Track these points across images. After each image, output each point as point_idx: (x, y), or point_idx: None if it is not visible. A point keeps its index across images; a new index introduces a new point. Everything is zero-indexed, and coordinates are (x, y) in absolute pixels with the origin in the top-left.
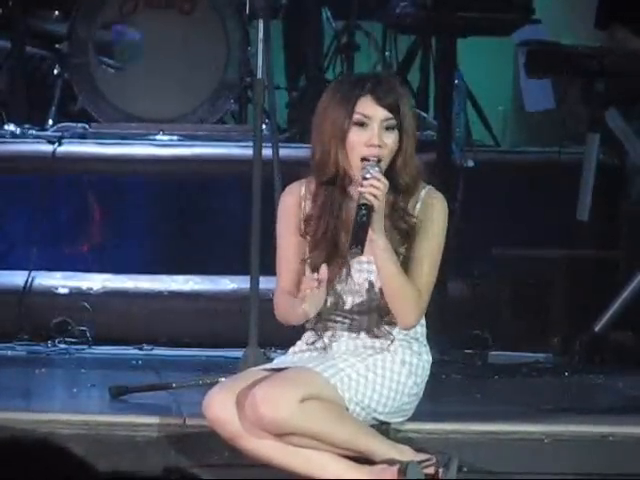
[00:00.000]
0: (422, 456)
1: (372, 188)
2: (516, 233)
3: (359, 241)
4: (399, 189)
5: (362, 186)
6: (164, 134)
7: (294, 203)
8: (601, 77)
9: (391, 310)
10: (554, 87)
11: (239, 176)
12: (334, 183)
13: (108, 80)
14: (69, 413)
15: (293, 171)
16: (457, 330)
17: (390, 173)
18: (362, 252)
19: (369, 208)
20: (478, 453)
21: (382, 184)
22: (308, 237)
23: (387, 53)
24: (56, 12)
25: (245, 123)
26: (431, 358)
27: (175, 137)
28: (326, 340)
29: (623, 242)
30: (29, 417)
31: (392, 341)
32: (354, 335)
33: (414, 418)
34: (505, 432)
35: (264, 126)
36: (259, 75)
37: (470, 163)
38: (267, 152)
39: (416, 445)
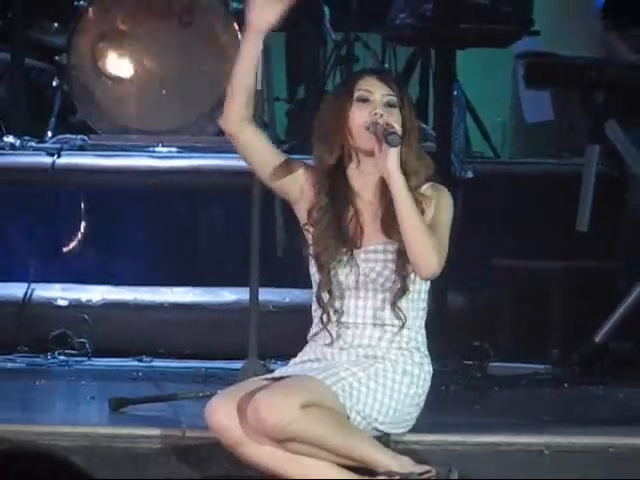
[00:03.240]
0: (422, 468)
1: (390, 121)
2: (515, 244)
3: (392, 132)
4: (407, 173)
5: (379, 122)
6: (163, 146)
7: (311, 176)
8: (600, 88)
9: (411, 259)
10: (553, 98)
11: (238, 188)
12: (339, 172)
13: (107, 92)
14: (69, 425)
15: None
16: (457, 341)
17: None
18: (400, 141)
19: (391, 126)
20: (478, 465)
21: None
22: (312, 227)
23: (386, 65)
24: (55, 24)
25: None
26: (432, 369)
27: (174, 149)
28: (334, 333)
29: (623, 253)
30: (29, 429)
31: (402, 326)
32: (359, 331)
33: (414, 429)
34: (505, 443)
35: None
36: (258, 87)
37: (469, 174)
38: None
39: (416, 456)
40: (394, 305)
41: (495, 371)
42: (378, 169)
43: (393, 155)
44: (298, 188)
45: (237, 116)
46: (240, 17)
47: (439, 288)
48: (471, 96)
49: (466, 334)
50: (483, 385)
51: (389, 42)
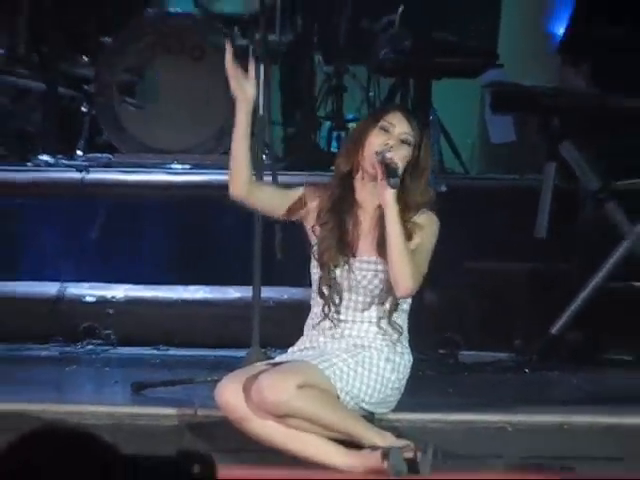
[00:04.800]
0: (402, 442)
1: (397, 155)
2: (483, 249)
3: (395, 174)
4: (408, 204)
5: (386, 156)
6: (177, 163)
7: (310, 193)
8: (556, 114)
9: (392, 275)
10: (515, 122)
11: None
12: (347, 184)
13: (129, 116)
14: (96, 405)
15: None
16: (432, 333)
17: (401, 188)
18: (399, 183)
19: (395, 164)
20: (451, 439)
21: (406, 156)
22: (319, 228)
23: (371, 93)
24: (84, 58)
25: None
26: (412, 357)
27: (187, 166)
28: (329, 325)
29: (576, 257)
30: (61, 409)
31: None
32: (349, 325)
33: (396, 409)
34: (474, 421)
35: (264, 157)
36: (260, 112)
37: (443, 188)
38: (267, 179)
39: (397, 432)
40: (389, 319)
41: (465, 359)
42: (377, 195)
43: (391, 190)
44: (303, 210)
45: (243, 185)
46: (245, 52)
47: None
48: (444, 120)
49: (440, 327)
50: (455, 371)
51: (373, 74)
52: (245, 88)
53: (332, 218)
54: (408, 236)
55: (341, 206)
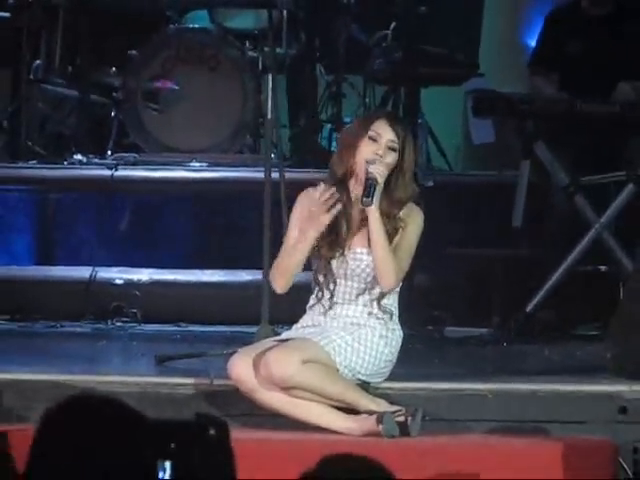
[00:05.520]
0: (395, 408)
1: (377, 170)
2: (466, 236)
3: (370, 194)
4: (392, 202)
5: (371, 168)
6: (196, 162)
7: (307, 204)
8: (530, 117)
9: (376, 272)
10: (494, 125)
11: (254, 194)
12: (342, 185)
13: (152, 120)
14: (124, 375)
15: (294, 189)
16: (421, 311)
17: (387, 188)
18: (372, 203)
19: (375, 180)
20: (437, 405)
21: (385, 172)
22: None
23: (367, 99)
24: (113, 69)
25: (258, 153)
26: (402, 333)
27: (205, 164)
28: (327, 306)
29: (548, 243)
30: (93, 379)
31: (380, 306)
32: (346, 307)
33: (389, 379)
34: (458, 389)
35: (272, 155)
36: (269, 116)
37: (430, 183)
38: (275, 175)
39: (390, 399)
40: (379, 301)
41: (450, 334)
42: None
43: (375, 202)
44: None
45: (290, 279)
46: (255, 63)
47: (408, 271)
48: (431, 123)
49: (428, 306)
50: (441, 345)
51: (369, 82)
52: (322, 219)
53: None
54: (394, 232)
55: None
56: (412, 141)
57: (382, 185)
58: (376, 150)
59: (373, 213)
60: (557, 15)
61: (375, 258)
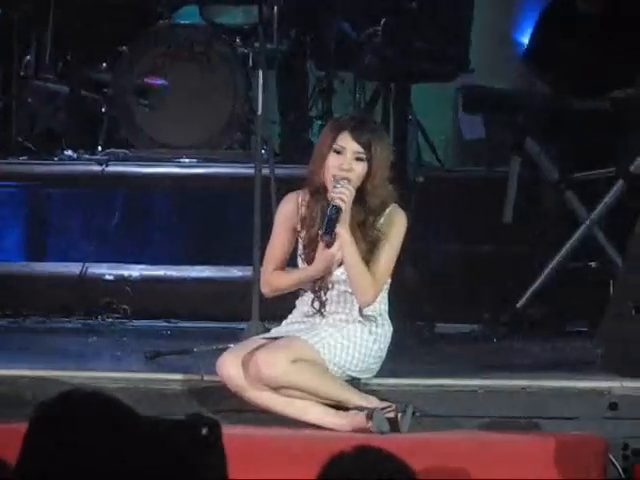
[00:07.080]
0: (385, 404)
1: (339, 194)
2: (456, 232)
3: (329, 231)
4: (368, 208)
5: (333, 193)
6: (187, 157)
7: (291, 209)
8: (520, 113)
9: (352, 290)
10: (484, 120)
11: (244, 189)
12: (321, 192)
13: (143, 116)
14: (114, 371)
15: (285, 185)
16: (411, 307)
17: (361, 195)
18: (331, 239)
19: (337, 208)
20: (427, 401)
21: (348, 193)
22: (303, 234)
23: (357, 95)
24: (104, 64)
25: (249, 149)
26: (392, 329)
27: (195, 160)
28: (317, 305)
29: (538, 239)
30: (83, 374)
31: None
32: (334, 305)
33: (378, 375)
34: (448, 385)
35: (263, 151)
36: (259, 112)
37: (421, 179)
38: (265, 171)
39: (380, 396)
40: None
41: (440, 330)
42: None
43: (343, 224)
44: (295, 219)
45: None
46: (245, 59)
47: (398, 266)
48: (422, 119)
49: (419, 301)
50: (431, 341)
51: (359, 78)
52: (332, 259)
53: (314, 227)
54: (372, 243)
55: (318, 216)
56: (383, 142)
57: (349, 205)
58: (341, 164)
59: (342, 236)
60: (551, 12)
61: (350, 279)
